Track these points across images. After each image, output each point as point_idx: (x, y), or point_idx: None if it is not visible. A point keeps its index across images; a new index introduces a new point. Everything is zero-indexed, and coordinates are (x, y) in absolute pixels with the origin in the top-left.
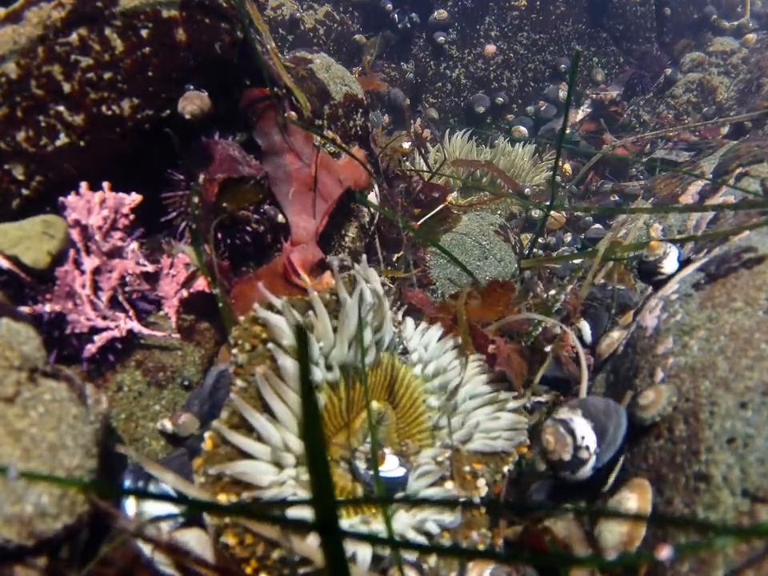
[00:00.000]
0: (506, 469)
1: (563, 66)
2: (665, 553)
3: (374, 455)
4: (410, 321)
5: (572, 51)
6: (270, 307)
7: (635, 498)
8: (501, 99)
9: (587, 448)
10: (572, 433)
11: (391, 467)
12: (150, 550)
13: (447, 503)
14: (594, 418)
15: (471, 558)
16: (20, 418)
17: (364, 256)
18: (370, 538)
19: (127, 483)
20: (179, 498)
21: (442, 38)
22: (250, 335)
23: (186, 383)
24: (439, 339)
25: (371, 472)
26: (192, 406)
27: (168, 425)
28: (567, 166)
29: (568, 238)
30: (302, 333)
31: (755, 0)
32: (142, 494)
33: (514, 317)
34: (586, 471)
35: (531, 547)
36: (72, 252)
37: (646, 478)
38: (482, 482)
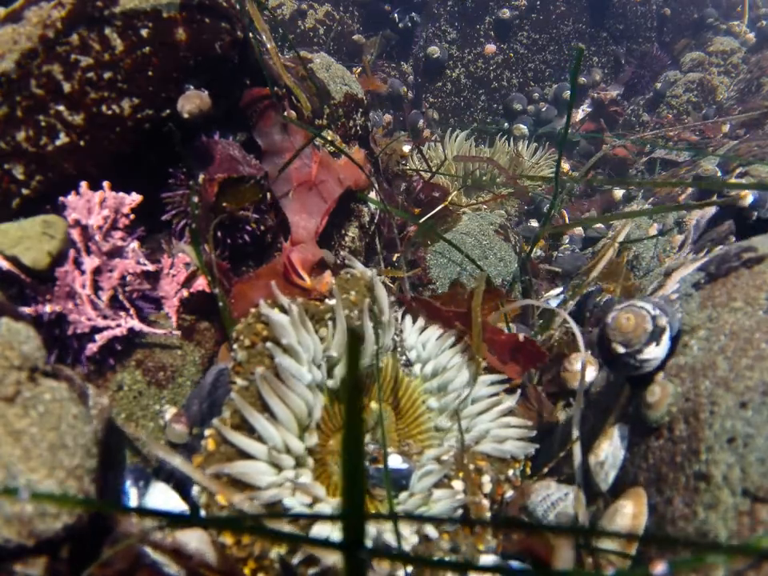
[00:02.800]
0: (510, 472)
1: (536, 93)
2: (659, 569)
3: (384, 447)
4: (408, 319)
5: (572, 51)
6: (282, 308)
7: (631, 505)
8: (537, 94)
9: (662, 315)
10: (642, 308)
11: (395, 464)
12: (152, 549)
13: (459, 520)
14: (649, 300)
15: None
16: (20, 418)
17: (378, 277)
18: (394, 557)
19: (128, 483)
20: (183, 516)
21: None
22: (251, 332)
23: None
24: (438, 338)
25: (376, 466)
26: (192, 405)
27: (168, 417)
28: (566, 166)
29: (566, 238)
30: (354, 338)
31: (755, 1)
32: (143, 512)
33: (514, 304)
34: (666, 342)
35: (533, 557)
36: (72, 252)
37: (641, 486)
38: (486, 479)
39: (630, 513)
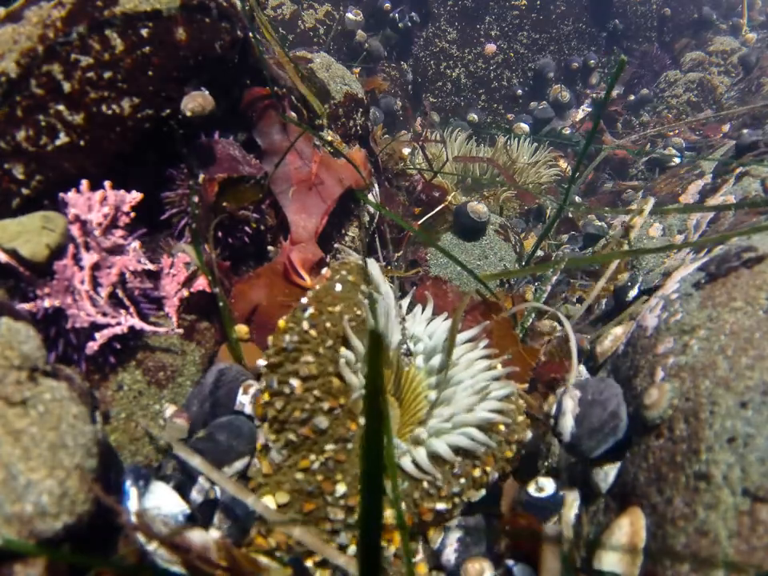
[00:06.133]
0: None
1: (575, 63)
2: None
3: (390, 442)
4: (418, 309)
5: (572, 50)
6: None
7: (628, 517)
8: (576, 64)
9: None
10: None
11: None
12: (154, 547)
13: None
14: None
15: None
16: (20, 418)
17: (370, 259)
18: None
19: (128, 483)
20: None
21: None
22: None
23: None
24: (446, 330)
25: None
26: (192, 405)
27: (168, 414)
28: (566, 166)
29: (565, 237)
30: (376, 338)
31: (755, 0)
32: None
33: (518, 307)
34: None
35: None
36: (71, 247)
37: (638, 506)
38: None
39: (628, 521)
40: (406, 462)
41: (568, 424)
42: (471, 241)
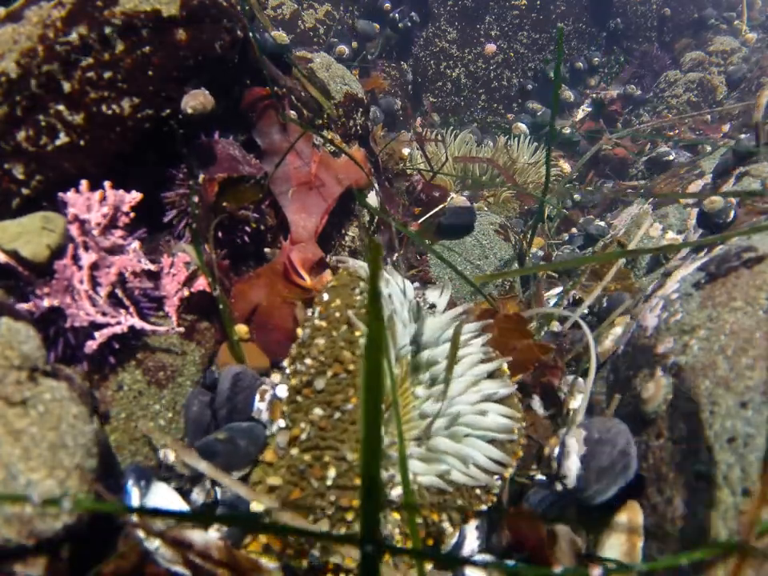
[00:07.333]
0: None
1: (579, 63)
2: (596, 572)
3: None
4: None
5: (573, 50)
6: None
7: (626, 512)
8: (581, 64)
9: None
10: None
11: None
12: (156, 546)
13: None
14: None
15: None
16: (20, 418)
17: (401, 285)
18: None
19: (129, 482)
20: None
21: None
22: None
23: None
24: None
25: None
26: (192, 406)
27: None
28: (566, 166)
29: (565, 236)
30: (376, 246)
31: (755, 0)
32: (151, 512)
33: (538, 310)
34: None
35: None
36: (71, 247)
37: (636, 502)
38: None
39: (625, 518)
40: (457, 475)
41: (573, 466)
42: (465, 234)
